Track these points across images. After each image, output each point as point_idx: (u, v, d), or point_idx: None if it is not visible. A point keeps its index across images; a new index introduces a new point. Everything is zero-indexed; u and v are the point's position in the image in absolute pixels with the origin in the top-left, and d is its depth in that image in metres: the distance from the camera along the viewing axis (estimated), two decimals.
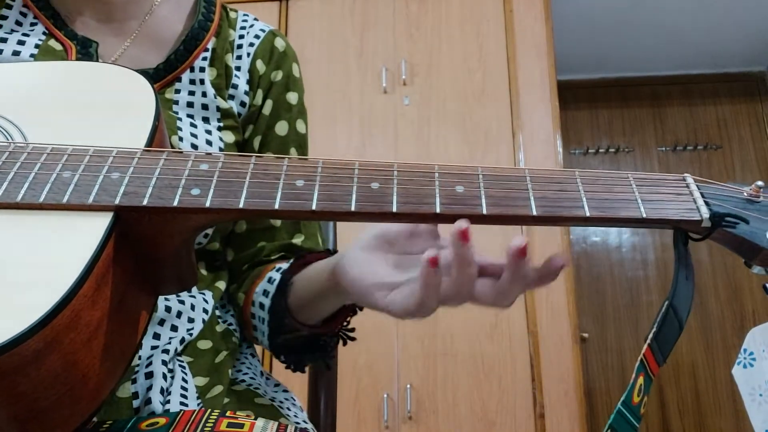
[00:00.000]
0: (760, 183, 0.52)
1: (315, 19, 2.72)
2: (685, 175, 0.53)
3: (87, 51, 0.72)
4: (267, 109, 0.81)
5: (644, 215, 0.50)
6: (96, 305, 0.45)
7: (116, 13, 0.76)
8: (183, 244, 0.54)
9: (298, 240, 0.79)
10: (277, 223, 0.79)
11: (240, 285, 0.78)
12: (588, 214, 0.50)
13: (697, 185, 0.52)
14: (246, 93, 0.79)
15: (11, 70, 0.64)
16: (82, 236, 0.46)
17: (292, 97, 0.83)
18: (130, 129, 0.56)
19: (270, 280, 0.73)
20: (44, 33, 0.73)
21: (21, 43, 0.71)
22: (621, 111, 3.95)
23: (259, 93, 0.80)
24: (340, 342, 0.73)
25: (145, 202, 0.48)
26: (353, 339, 0.72)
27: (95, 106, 0.59)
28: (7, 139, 0.54)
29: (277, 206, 0.49)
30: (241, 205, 0.49)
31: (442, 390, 2.28)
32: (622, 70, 3.91)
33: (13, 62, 0.69)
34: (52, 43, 0.72)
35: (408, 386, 2.27)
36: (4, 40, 0.71)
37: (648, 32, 3.54)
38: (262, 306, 0.73)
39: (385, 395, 2.26)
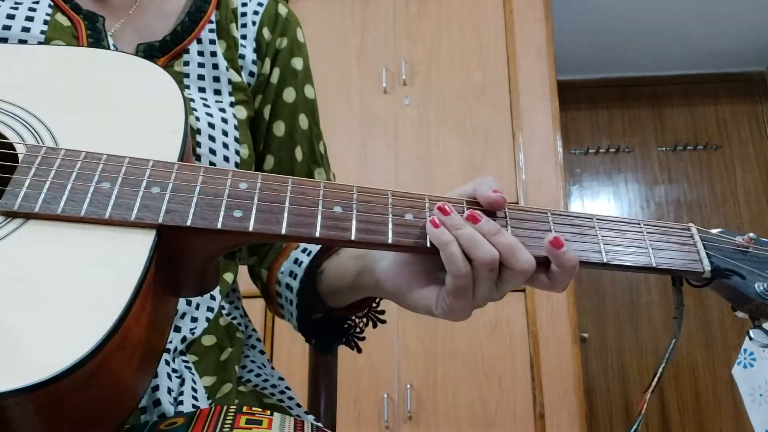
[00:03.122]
0: (752, 234, 0.56)
1: (315, 19, 2.72)
2: (690, 224, 0.57)
3: (95, 26, 0.71)
4: (274, 78, 0.80)
5: (654, 264, 0.53)
6: (140, 323, 0.45)
7: None
8: (214, 258, 0.54)
9: None
10: None
11: (261, 259, 0.78)
12: (605, 260, 0.53)
13: (700, 236, 0.56)
14: (254, 62, 0.79)
15: (31, 56, 0.62)
16: (128, 255, 0.46)
17: (297, 63, 0.82)
18: (159, 134, 0.56)
19: (296, 262, 0.73)
20: (50, 5, 0.72)
21: (29, 18, 0.70)
22: (621, 111, 3.95)
23: (267, 62, 0.80)
24: (370, 324, 0.73)
25: (189, 223, 0.48)
26: (383, 321, 0.72)
27: (122, 105, 0.58)
28: (36, 139, 0.53)
29: (317, 234, 0.50)
30: (283, 232, 0.49)
31: (442, 390, 2.27)
32: (622, 70, 3.90)
33: (25, 41, 0.68)
34: (60, 17, 0.71)
35: (408, 386, 2.27)
36: (11, 17, 0.70)
37: (648, 32, 3.54)
38: (289, 287, 0.73)
39: (385, 395, 2.26)
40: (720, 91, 3.90)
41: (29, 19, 0.70)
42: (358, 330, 0.73)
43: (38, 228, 0.47)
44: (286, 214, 0.50)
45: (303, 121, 0.82)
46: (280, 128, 0.80)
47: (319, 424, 0.69)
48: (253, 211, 0.50)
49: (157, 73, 0.61)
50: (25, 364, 0.39)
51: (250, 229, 0.49)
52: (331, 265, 0.70)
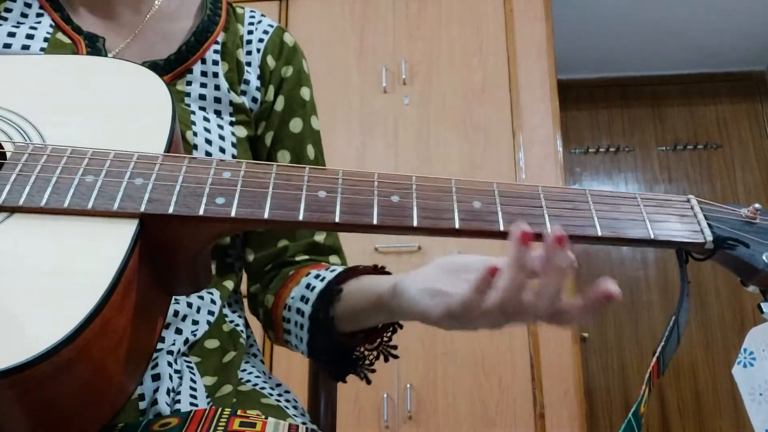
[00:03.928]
0: (757, 205, 0.54)
1: (315, 19, 2.72)
2: (689, 196, 0.55)
3: (95, 46, 0.72)
4: (279, 106, 0.81)
5: (652, 236, 0.51)
6: (122, 312, 0.45)
7: (118, 8, 0.76)
8: (202, 249, 0.54)
9: (320, 237, 0.79)
10: None
11: (266, 286, 0.78)
12: (600, 234, 0.51)
13: (701, 207, 0.54)
14: (257, 89, 0.79)
15: (24, 65, 0.63)
16: (109, 243, 0.46)
17: (305, 93, 0.83)
18: (147, 130, 0.56)
19: (309, 287, 0.73)
20: (51, 26, 0.73)
21: (30, 36, 0.71)
22: (621, 111, 3.95)
23: (271, 89, 0.80)
24: (381, 358, 0.72)
25: (170, 210, 0.48)
26: (396, 357, 0.72)
27: (110, 105, 0.59)
28: (25, 139, 0.54)
29: (301, 217, 0.50)
30: (266, 216, 0.49)
31: (442, 390, 2.27)
32: (622, 70, 3.90)
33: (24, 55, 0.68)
34: (60, 36, 0.72)
35: (408, 386, 2.27)
36: (12, 35, 0.70)
37: (648, 32, 3.54)
38: (300, 312, 0.72)
39: (385, 395, 2.26)
40: (720, 90, 3.90)
41: (29, 37, 0.71)
42: (367, 363, 0.73)
43: (23, 221, 0.47)
44: (269, 199, 0.50)
45: (310, 151, 0.83)
46: (285, 157, 0.80)
47: (314, 427, 0.69)
48: (236, 197, 0.50)
49: (143, 73, 0.62)
50: (3, 350, 0.39)
51: (233, 214, 0.49)
52: (354, 286, 0.70)
